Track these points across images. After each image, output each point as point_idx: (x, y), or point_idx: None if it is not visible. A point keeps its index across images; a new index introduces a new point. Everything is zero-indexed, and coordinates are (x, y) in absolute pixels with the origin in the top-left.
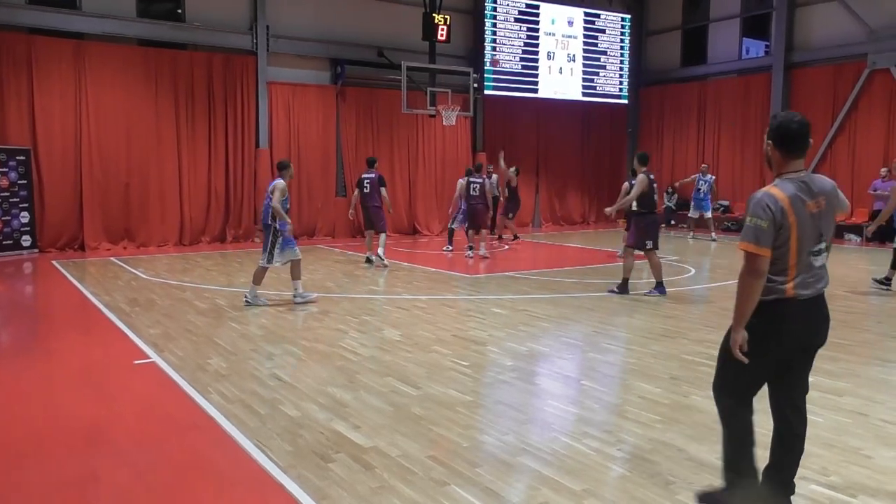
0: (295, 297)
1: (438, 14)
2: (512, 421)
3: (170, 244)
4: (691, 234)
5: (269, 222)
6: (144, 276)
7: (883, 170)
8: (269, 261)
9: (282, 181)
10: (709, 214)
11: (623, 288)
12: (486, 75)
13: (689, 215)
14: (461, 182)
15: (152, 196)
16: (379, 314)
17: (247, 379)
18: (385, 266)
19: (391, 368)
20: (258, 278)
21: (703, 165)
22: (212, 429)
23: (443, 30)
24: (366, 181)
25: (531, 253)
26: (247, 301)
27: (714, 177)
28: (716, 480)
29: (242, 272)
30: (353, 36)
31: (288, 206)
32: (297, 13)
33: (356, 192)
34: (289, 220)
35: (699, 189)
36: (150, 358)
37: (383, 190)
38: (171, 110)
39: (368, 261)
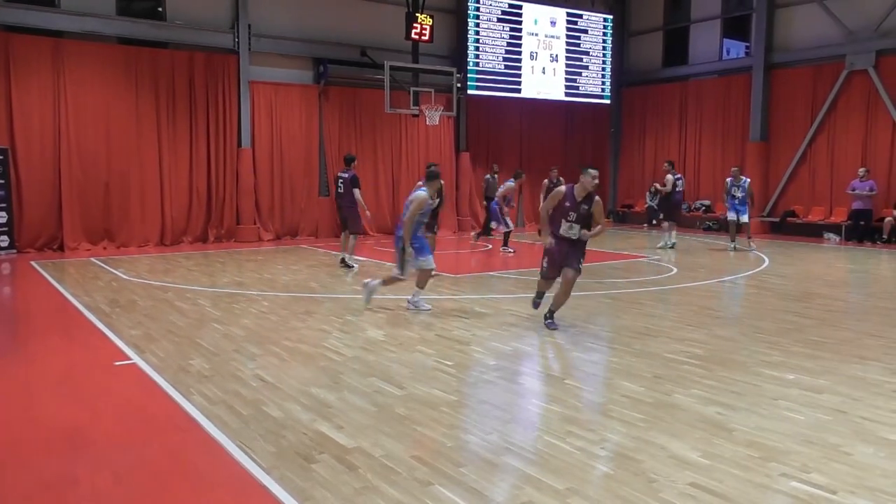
0: (410, 301)
1: (421, 14)
2: (496, 420)
3: (151, 244)
4: (732, 244)
5: (401, 234)
6: (125, 277)
7: (861, 170)
8: (403, 271)
9: (423, 193)
10: (746, 219)
11: None
12: (469, 75)
13: (729, 219)
14: (510, 184)
15: (133, 196)
16: (363, 314)
17: (229, 380)
18: (350, 269)
19: (375, 368)
20: (421, 282)
21: (733, 169)
22: (194, 430)
23: (426, 29)
24: (340, 180)
25: (515, 252)
26: (411, 305)
27: (749, 179)
28: (699, 478)
29: (225, 272)
30: (335, 35)
31: (426, 219)
32: (279, 12)
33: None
34: (412, 241)
35: (734, 196)
36: (130, 359)
37: (356, 191)
38: (152, 109)
39: (343, 263)
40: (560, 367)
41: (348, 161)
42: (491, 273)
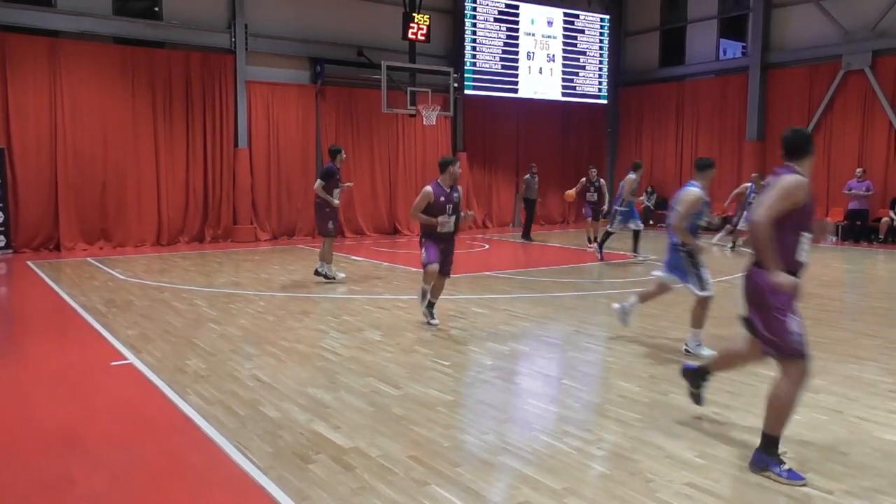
0: (688, 346)
1: (418, 14)
2: (493, 420)
3: (147, 244)
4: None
5: (675, 241)
6: (121, 277)
7: (858, 170)
8: (704, 288)
9: (696, 189)
10: None
11: None
12: (466, 75)
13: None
14: (632, 177)
15: (129, 195)
16: (359, 314)
17: (226, 380)
18: (328, 279)
19: (372, 369)
20: (697, 319)
21: (753, 175)
22: (190, 430)
23: (423, 29)
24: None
25: (512, 252)
26: (687, 350)
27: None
28: (695, 478)
29: (221, 272)
30: (332, 35)
31: (701, 221)
32: (275, 12)
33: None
34: (696, 244)
35: (751, 203)
36: (127, 359)
37: (317, 183)
38: (149, 109)
39: (316, 272)
40: (557, 366)
41: (332, 153)
42: (488, 273)
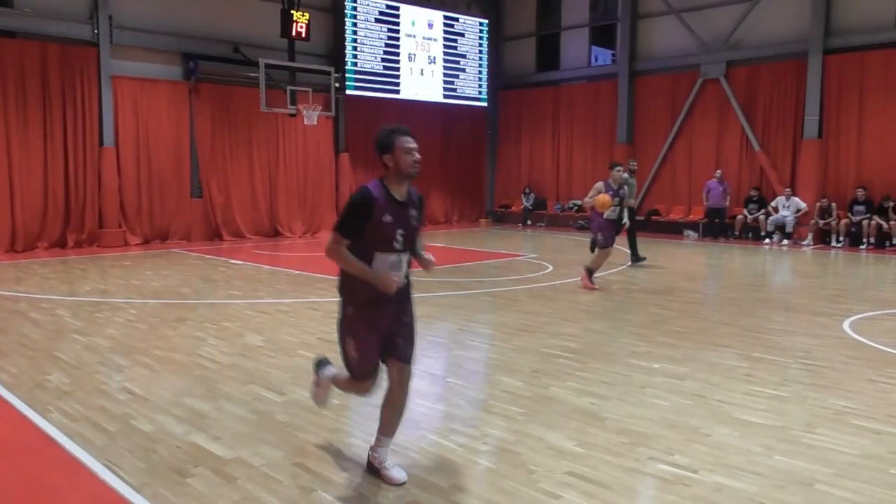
0: None
1: (297, 11)
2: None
3: None
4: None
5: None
6: None
7: (717, 172)
8: None
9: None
10: None
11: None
12: (347, 75)
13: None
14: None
15: None
16: (240, 320)
17: (93, 394)
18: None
19: (254, 375)
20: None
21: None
22: (51, 451)
23: (302, 27)
24: None
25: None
26: None
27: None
28: (575, 466)
29: (87, 280)
30: (206, 30)
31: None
32: (143, 3)
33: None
34: None
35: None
36: None
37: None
38: None
39: None
40: (442, 365)
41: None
42: None
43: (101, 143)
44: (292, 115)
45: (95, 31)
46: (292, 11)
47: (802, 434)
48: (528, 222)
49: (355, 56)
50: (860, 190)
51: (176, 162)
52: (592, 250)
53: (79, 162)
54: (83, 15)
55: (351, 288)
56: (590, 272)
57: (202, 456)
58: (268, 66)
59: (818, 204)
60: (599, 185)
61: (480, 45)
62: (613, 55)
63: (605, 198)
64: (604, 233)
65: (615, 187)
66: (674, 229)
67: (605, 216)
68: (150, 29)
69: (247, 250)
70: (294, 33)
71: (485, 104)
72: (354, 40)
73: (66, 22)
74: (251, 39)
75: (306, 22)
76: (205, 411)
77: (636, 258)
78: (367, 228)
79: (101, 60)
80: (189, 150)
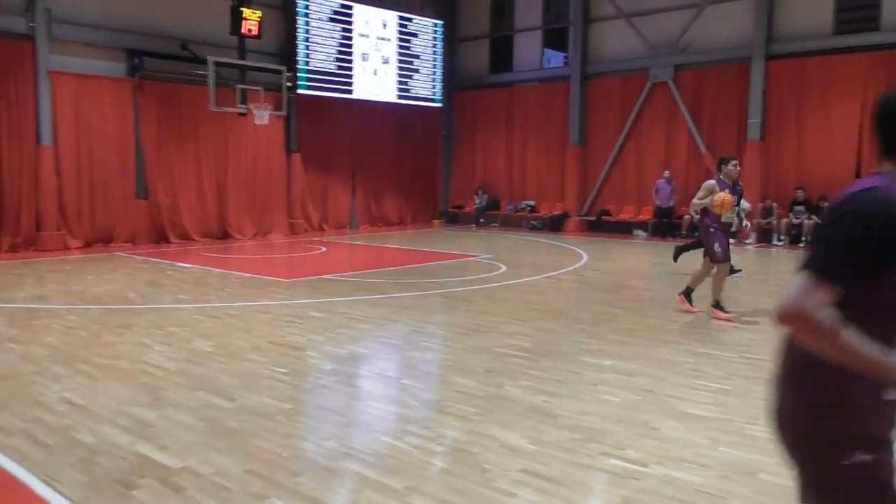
0: None
1: (248, 8)
2: (333, 426)
3: None
4: None
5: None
6: None
7: (666, 172)
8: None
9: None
10: None
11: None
12: (299, 74)
13: None
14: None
15: None
16: (188, 325)
17: (30, 406)
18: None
19: (203, 381)
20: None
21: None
22: None
23: (253, 25)
24: None
25: (349, 254)
26: None
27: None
28: (529, 464)
29: (22, 285)
30: (152, 26)
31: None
32: None
33: None
34: None
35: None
36: None
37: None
38: None
39: None
40: (396, 367)
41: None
42: (326, 276)
43: (38, 142)
44: (242, 115)
45: (31, 24)
46: (242, 8)
47: (746, 426)
48: (482, 222)
49: (308, 55)
50: (799, 191)
51: (120, 162)
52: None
53: (13, 161)
54: (17, 7)
55: (843, 402)
56: (689, 292)
57: (148, 466)
58: (217, 64)
59: (760, 204)
60: (710, 183)
61: (434, 45)
62: (566, 58)
63: (725, 196)
64: (721, 243)
65: (730, 184)
66: (623, 229)
67: (721, 219)
68: (91, 23)
69: (195, 253)
70: (245, 31)
71: (439, 105)
72: (307, 39)
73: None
74: (200, 36)
75: (257, 20)
76: (151, 420)
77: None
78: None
79: (39, 55)
80: (134, 149)
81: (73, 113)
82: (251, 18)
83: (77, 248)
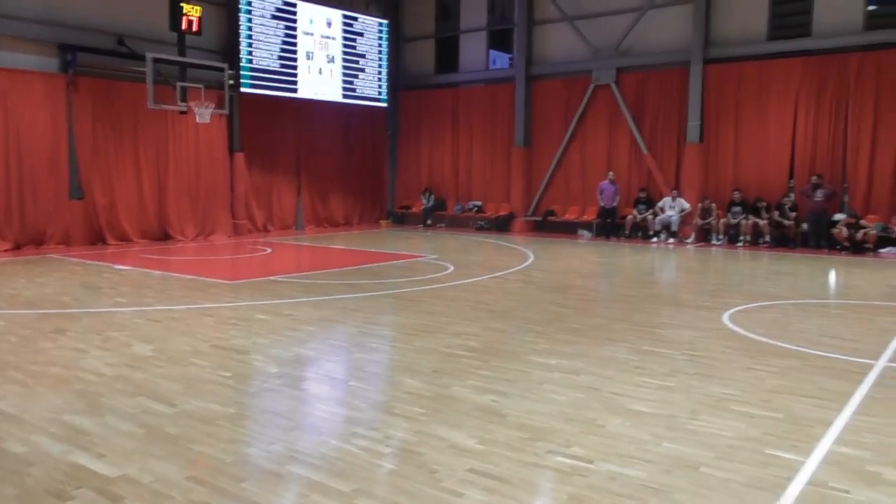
0: None
1: (188, 3)
2: (279, 429)
3: None
4: None
5: None
6: None
7: (610, 173)
8: None
9: None
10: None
11: None
12: (242, 72)
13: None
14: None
15: None
16: (127, 329)
17: None
18: None
19: (142, 387)
20: None
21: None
22: None
23: (194, 21)
24: None
25: (295, 255)
26: None
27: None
28: (476, 464)
29: None
30: (87, 20)
31: None
32: None
33: None
34: None
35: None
36: None
37: None
38: None
39: None
40: (343, 369)
41: None
42: (271, 278)
43: None
44: (183, 113)
45: None
46: (182, 4)
47: (688, 421)
48: (429, 223)
49: (250, 53)
50: (736, 192)
51: (51, 160)
52: None
53: None
54: None
55: None
56: None
57: (84, 476)
58: (156, 60)
59: (700, 205)
60: None
61: (380, 45)
62: (511, 59)
63: None
64: None
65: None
66: (569, 229)
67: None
68: (20, 16)
69: (134, 254)
70: (185, 27)
71: (384, 105)
72: (249, 36)
73: None
74: (138, 32)
75: (198, 15)
76: (87, 428)
77: None
78: None
79: None
80: (67, 147)
81: (0, 109)
82: (191, 14)
83: (5, 250)
